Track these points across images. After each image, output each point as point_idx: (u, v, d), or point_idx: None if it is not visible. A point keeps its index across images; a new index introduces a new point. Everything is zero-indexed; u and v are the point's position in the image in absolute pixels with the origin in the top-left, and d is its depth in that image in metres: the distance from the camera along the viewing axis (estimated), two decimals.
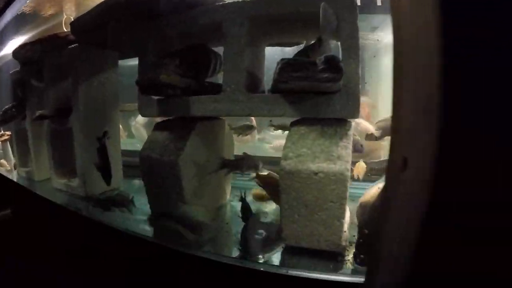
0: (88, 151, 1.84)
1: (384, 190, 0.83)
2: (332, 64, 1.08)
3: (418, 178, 0.67)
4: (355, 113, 1.27)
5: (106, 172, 1.62)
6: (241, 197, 1.40)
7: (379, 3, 1.82)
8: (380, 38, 2.26)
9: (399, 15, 0.74)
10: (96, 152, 1.64)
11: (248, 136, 2.74)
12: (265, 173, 1.72)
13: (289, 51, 2.31)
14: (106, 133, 1.72)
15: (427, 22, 0.63)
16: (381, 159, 1.82)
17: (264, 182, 1.57)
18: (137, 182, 2.13)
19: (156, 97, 1.53)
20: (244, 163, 1.41)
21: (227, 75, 1.37)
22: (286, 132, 2.40)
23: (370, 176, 1.76)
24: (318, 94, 1.27)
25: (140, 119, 3.19)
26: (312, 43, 1.31)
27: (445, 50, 0.58)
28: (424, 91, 0.65)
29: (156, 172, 1.46)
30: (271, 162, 2.28)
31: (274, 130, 2.14)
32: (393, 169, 0.78)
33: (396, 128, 0.79)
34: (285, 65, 1.13)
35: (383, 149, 2.37)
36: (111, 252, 1.43)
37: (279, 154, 2.59)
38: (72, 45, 1.81)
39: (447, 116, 0.59)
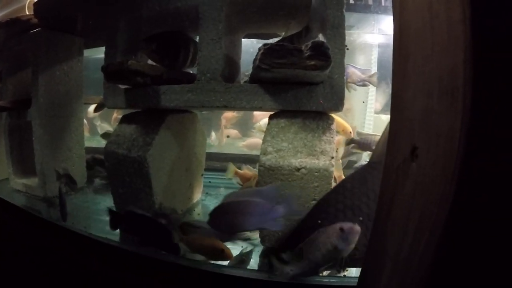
0: (48, 147, 1.61)
1: (383, 183, 0.70)
2: (320, 51, 0.94)
3: (436, 171, 0.53)
4: (339, 106, 1.14)
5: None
6: None
7: (370, 2, 1.71)
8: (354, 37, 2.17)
9: None
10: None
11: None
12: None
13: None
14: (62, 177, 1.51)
15: None
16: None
17: (242, 179, 1.45)
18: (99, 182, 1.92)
19: (123, 86, 1.32)
20: None
21: (203, 63, 1.19)
22: None
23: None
24: (300, 85, 1.13)
25: (91, 109, 2.89)
26: (298, 32, 1.17)
27: (473, 21, 0.45)
28: (443, 69, 0.52)
29: (122, 170, 1.26)
30: (245, 159, 2.16)
31: None
32: (395, 160, 0.64)
33: (400, 113, 0.65)
34: (268, 50, 0.97)
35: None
36: (74, 260, 1.21)
37: (251, 152, 2.53)
38: (35, 30, 1.57)
39: (477, 95, 0.46)
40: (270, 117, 1.19)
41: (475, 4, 0.45)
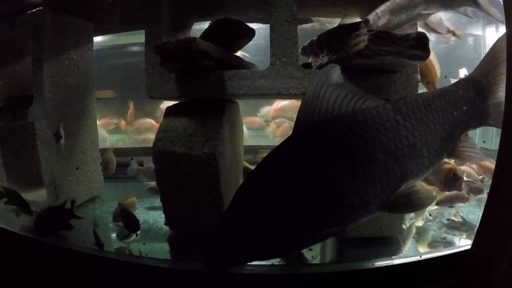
0: (59, 152, 1.27)
1: None
2: (423, 42, 0.89)
3: None
4: (415, 93, 1.07)
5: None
6: None
7: None
8: None
9: None
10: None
11: None
12: None
13: None
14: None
15: None
16: None
17: None
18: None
19: (172, 73, 1.08)
20: None
21: (276, 46, 1.02)
22: None
23: None
24: (380, 73, 1.04)
25: None
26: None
27: None
28: None
29: (180, 171, 1.02)
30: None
31: None
32: None
33: None
34: (374, 36, 0.86)
35: None
36: None
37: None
38: (34, 9, 1.22)
39: None
40: None
41: None
